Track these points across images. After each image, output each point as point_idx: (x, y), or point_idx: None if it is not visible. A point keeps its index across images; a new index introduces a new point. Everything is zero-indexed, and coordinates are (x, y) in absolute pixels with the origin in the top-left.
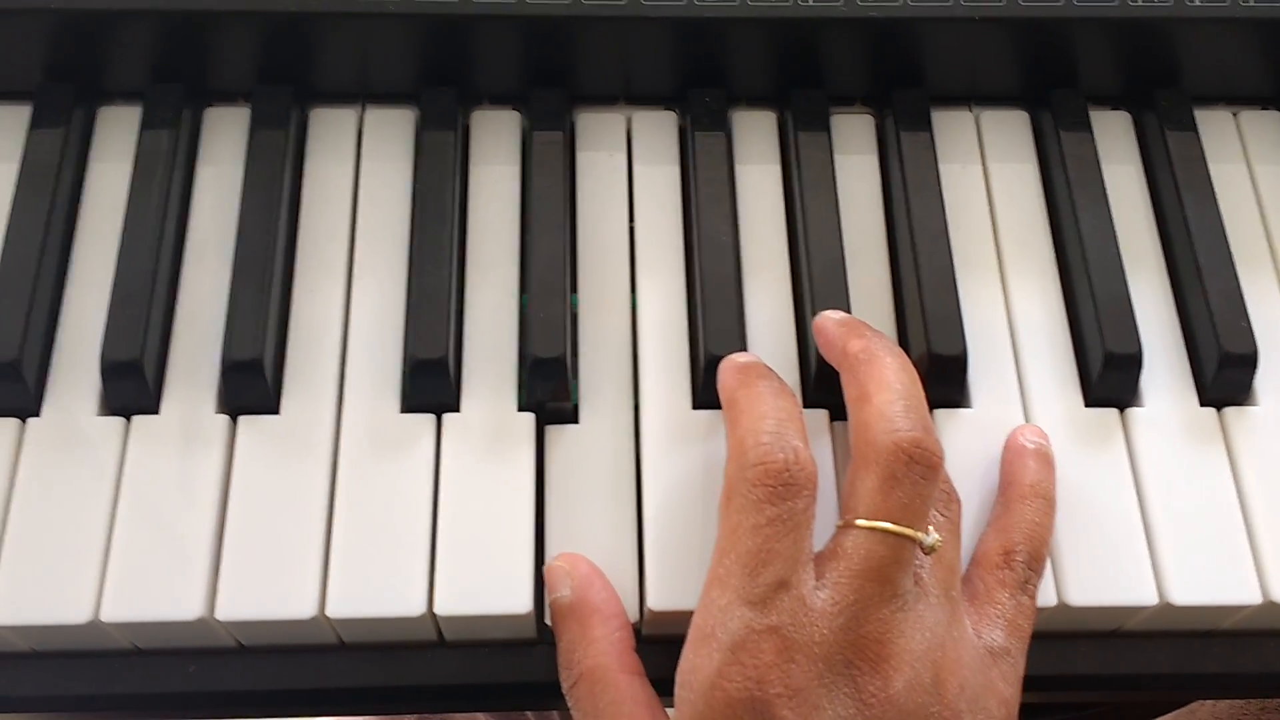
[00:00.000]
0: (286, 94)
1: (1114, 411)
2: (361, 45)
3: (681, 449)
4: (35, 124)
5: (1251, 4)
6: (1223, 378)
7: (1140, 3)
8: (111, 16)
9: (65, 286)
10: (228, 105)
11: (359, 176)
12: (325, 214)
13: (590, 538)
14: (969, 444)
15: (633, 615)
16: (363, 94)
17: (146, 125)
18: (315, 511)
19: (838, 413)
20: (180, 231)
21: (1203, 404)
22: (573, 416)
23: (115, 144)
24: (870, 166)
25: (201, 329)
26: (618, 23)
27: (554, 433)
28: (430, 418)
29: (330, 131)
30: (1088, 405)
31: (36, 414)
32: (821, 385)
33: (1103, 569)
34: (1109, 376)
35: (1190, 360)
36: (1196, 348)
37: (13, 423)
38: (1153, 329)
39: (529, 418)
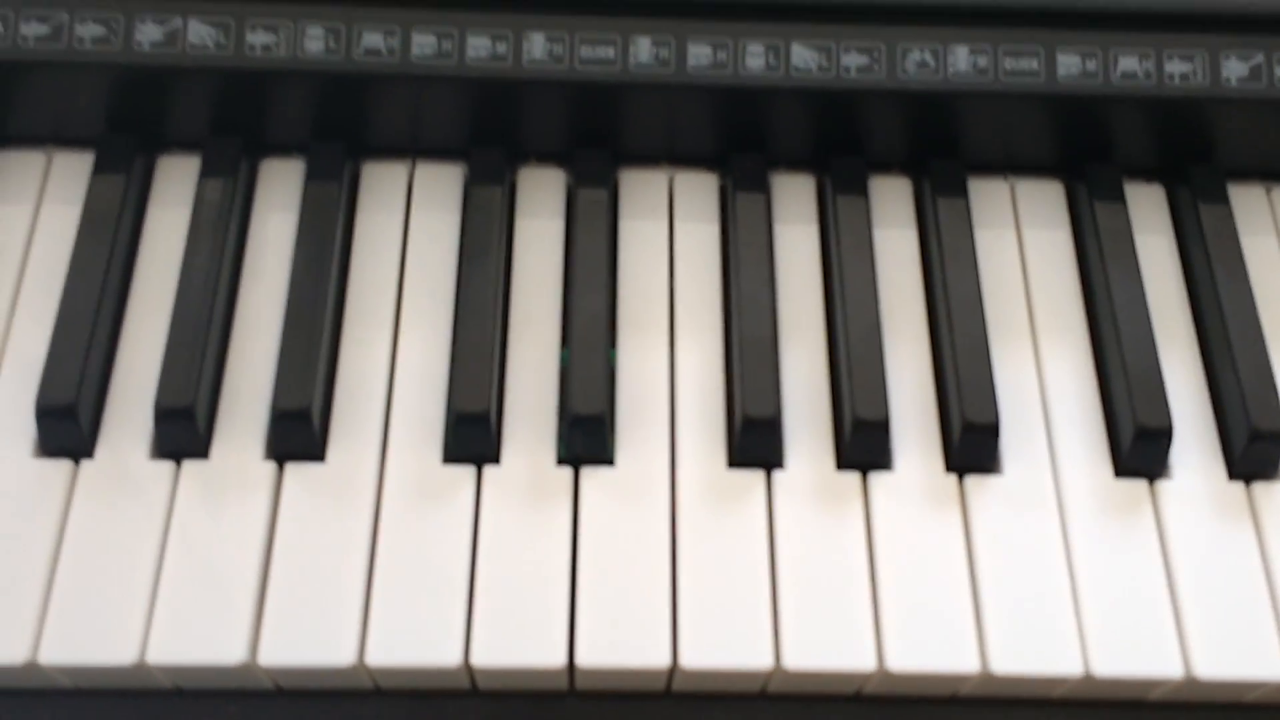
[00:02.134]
0: (340, 149)
1: (1143, 483)
2: (414, 104)
3: (716, 506)
4: (97, 171)
5: None
6: (1252, 452)
7: (1177, 82)
8: (174, 73)
9: (121, 330)
10: (284, 158)
11: (408, 230)
12: (375, 266)
13: (621, 587)
14: (1000, 511)
15: (662, 664)
16: (414, 150)
17: (204, 175)
18: (357, 559)
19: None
20: (234, 279)
21: (1231, 477)
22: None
23: (174, 192)
24: (908, 231)
25: (252, 376)
26: (663, 89)
27: (589, 476)
28: (471, 469)
29: (381, 185)
30: (1117, 475)
31: (90, 456)
32: (856, 446)
33: (1128, 639)
34: (1139, 449)
35: (1220, 434)
36: (1226, 422)
37: (66, 464)
38: (1183, 402)
39: (567, 473)
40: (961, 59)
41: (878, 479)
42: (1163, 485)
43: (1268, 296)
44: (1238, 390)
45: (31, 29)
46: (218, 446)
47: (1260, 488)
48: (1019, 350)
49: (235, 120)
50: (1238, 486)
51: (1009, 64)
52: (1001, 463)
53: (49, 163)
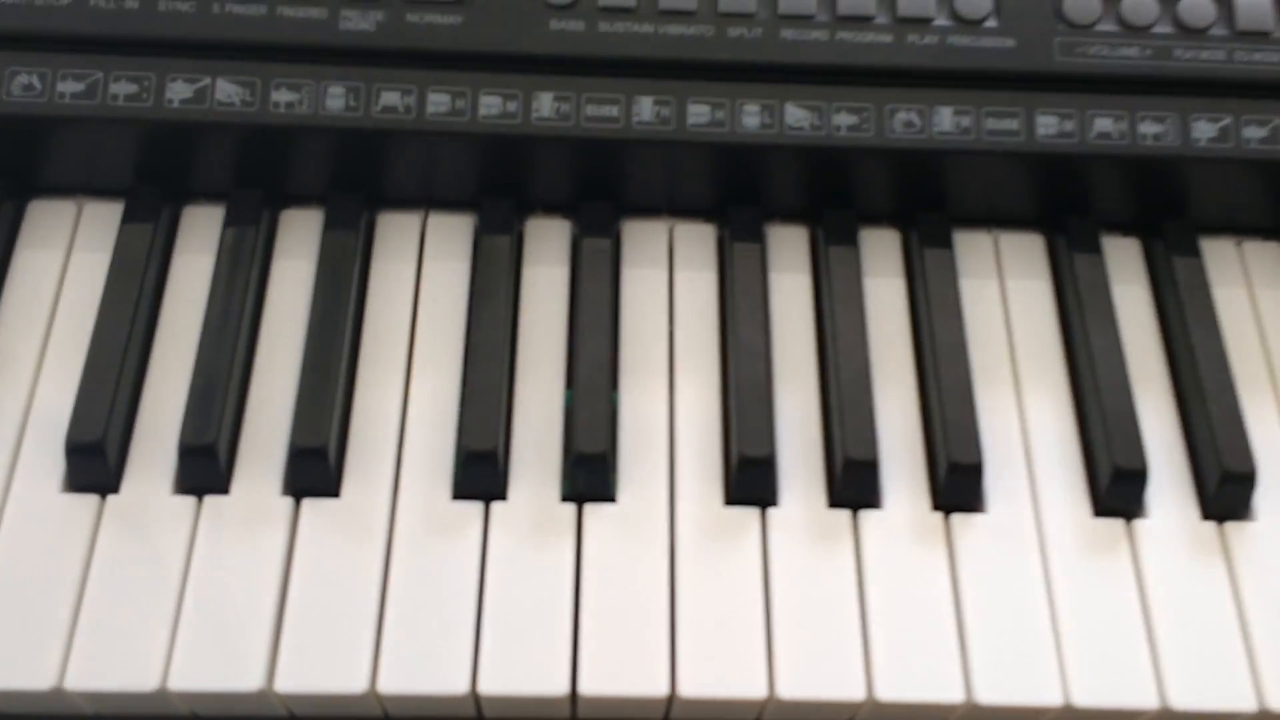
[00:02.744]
0: (357, 200)
1: (1121, 522)
2: (428, 159)
3: (713, 542)
4: (126, 220)
5: (1253, 145)
6: (1224, 494)
7: (1149, 142)
8: (202, 128)
9: (147, 371)
10: (304, 208)
11: (420, 277)
12: (389, 311)
13: (622, 619)
14: (984, 548)
15: (661, 693)
16: (427, 201)
17: (228, 224)
18: (370, 591)
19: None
20: (255, 323)
21: (1205, 518)
22: (611, 497)
23: (199, 241)
24: (896, 280)
25: (272, 415)
26: (664, 146)
27: (592, 513)
28: (479, 505)
29: (396, 234)
30: (1096, 515)
31: (116, 491)
32: (847, 484)
33: (1107, 671)
34: (1116, 489)
35: (1194, 475)
36: (1199, 464)
37: (94, 499)
38: (1158, 444)
39: (571, 509)
40: (945, 119)
41: (868, 517)
42: (1140, 524)
43: (1238, 344)
44: (1210, 433)
45: (68, 86)
46: (238, 483)
47: (1232, 527)
48: (1002, 394)
49: (258, 173)
50: (1211, 526)
51: (990, 124)
52: (986, 502)
53: (80, 212)
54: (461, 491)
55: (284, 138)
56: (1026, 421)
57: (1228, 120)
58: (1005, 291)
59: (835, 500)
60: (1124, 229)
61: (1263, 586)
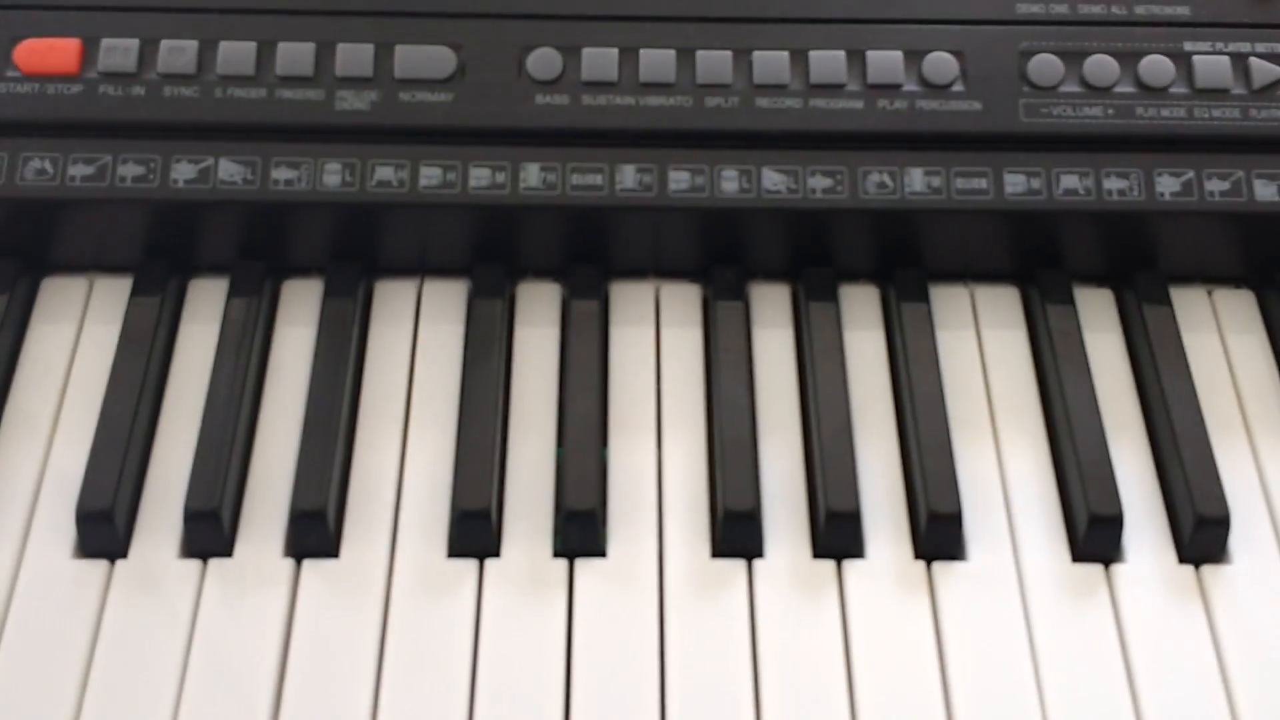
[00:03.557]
0: (355, 269)
1: (1099, 567)
2: (422, 229)
3: (700, 594)
4: (135, 294)
5: (1216, 198)
6: (1199, 538)
7: (1115, 197)
8: (206, 206)
9: (154, 439)
10: (304, 278)
11: (417, 341)
12: (386, 374)
13: (613, 671)
14: (966, 595)
15: None
16: (422, 268)
17: (232, 295)
18: (367, 651)
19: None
20: (258, 390)
21: (1181, 561)
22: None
23: (204, 312)
24: (876, 334)
25: (274, 479)
26: (648, 211)
27: (583, 568)
28: (474, 563)
29: (393, 301)
30: (1075, 560)
31: (124, 555)
32: (830, 535)
33: (1088, 716)
34: (1093, 535)
35: (1169, 520)
36: (1174, 509)
37: (103, 564)
38: (1134, 490)
39: (562, 564)
40: (917, 180)
41: (851, 566)
42: (1117, 569)
43: (1210, 389)
44: (1184, 479)
45: (78, 169)
46: (241, 545)
47: (1209, 570)
48: (980, 443)
49: (260, 246)
50: (1188, 570)
51: (960, 184)
52: (966, 549)
53: (90, 287)
54: (456, 550)
55: (284, 213)
56: (1005, 470)
57: (1190, 174)
58: (982, 343)
59: (819, 550)
60: (1096, 279)
61: (1240, 629)
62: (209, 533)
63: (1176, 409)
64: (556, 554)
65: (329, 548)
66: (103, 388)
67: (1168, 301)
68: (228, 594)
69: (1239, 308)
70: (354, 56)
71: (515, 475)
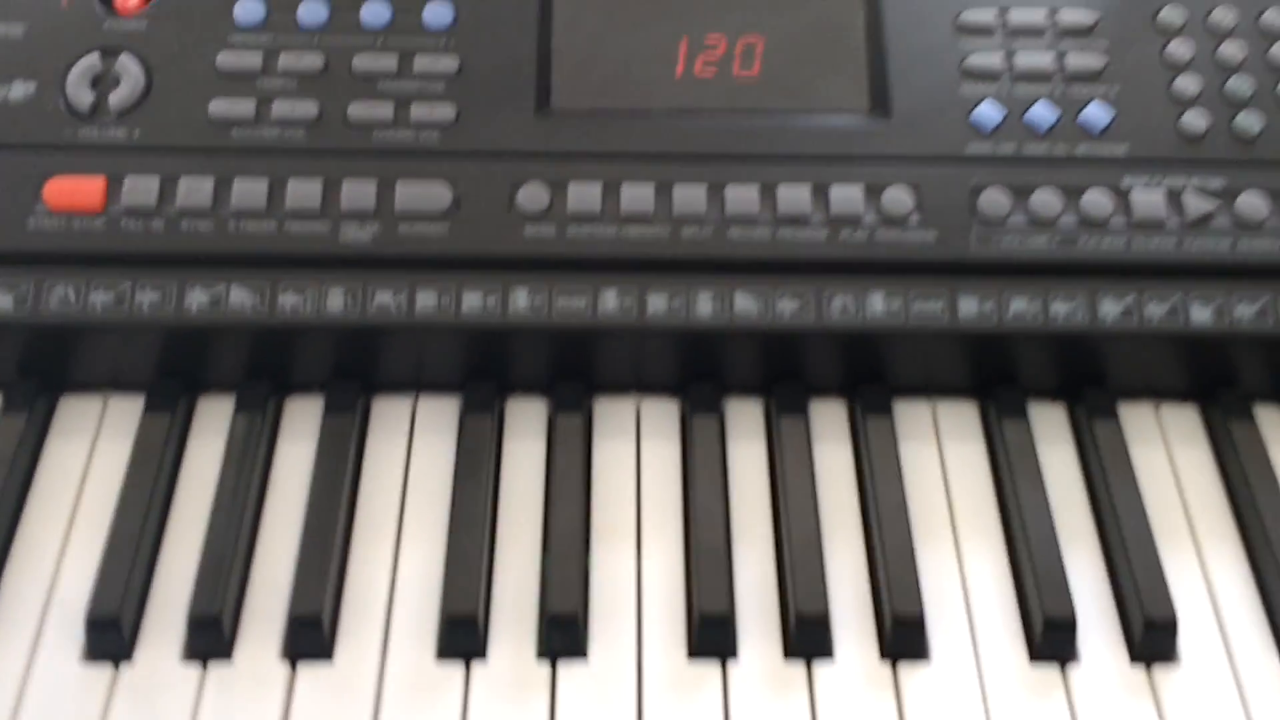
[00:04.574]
0: (354, 387)
1: (1056, 666)
2: (418, 350)
3: (677, 694)
4: (147, 411)
5: (1155, 321)
6: (1149, 639)
7: (1061, 320)
8: (217, 330)
9: (161, 548)
10: (305, 395)
11: (411, 453)
12: (382, 485)
13: None
14: (930, 695)
15: None
16: (417, 385)
17: (238, 411)
18: None
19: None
20: (260, 501)
21: (1133, 661)
22: (584, 654)
23: (211, 427)
24: (843, 446)
25: (273, 585)
26: (628, 332)
27: (565, 669)
28: (461, 665)
29: (389, 416)
30: (1032, 660)
31: (129, 659)
32: (801, 637)
33: None
34: (1049, 637)
35: (1121, 622)
36: (1125, 612)
37: (108, 668)
38: (1086, 594)
39: (545, 667)
40: (877, 303)
41: (821, 667)
42: (1073, 669)
43: (1157, 499)
44: (1133, 583)
45: (99, 297)
46: (240, 649)
47: (1159, 669)
48: (942, 550)
49: (266, 366)
50: (1139, 669)
51: (917, 307)
52: (930, 650)
53: (105, 405)
54: (445, 652)
55: (289, 336)
56: (965, 575)
57: (1131, 299)
58: (943, 455)
59: (791, 652)
60: (1049, 395)
61: None
62: (210, 637)
63: (1126, 518)
64: (540, 656)
65: (324, 651)
66: (114, 499)
67: (1116, 416)
68: (226, 697)
69: (1184, 422)
70: (358, 192)
71: (502, 580)
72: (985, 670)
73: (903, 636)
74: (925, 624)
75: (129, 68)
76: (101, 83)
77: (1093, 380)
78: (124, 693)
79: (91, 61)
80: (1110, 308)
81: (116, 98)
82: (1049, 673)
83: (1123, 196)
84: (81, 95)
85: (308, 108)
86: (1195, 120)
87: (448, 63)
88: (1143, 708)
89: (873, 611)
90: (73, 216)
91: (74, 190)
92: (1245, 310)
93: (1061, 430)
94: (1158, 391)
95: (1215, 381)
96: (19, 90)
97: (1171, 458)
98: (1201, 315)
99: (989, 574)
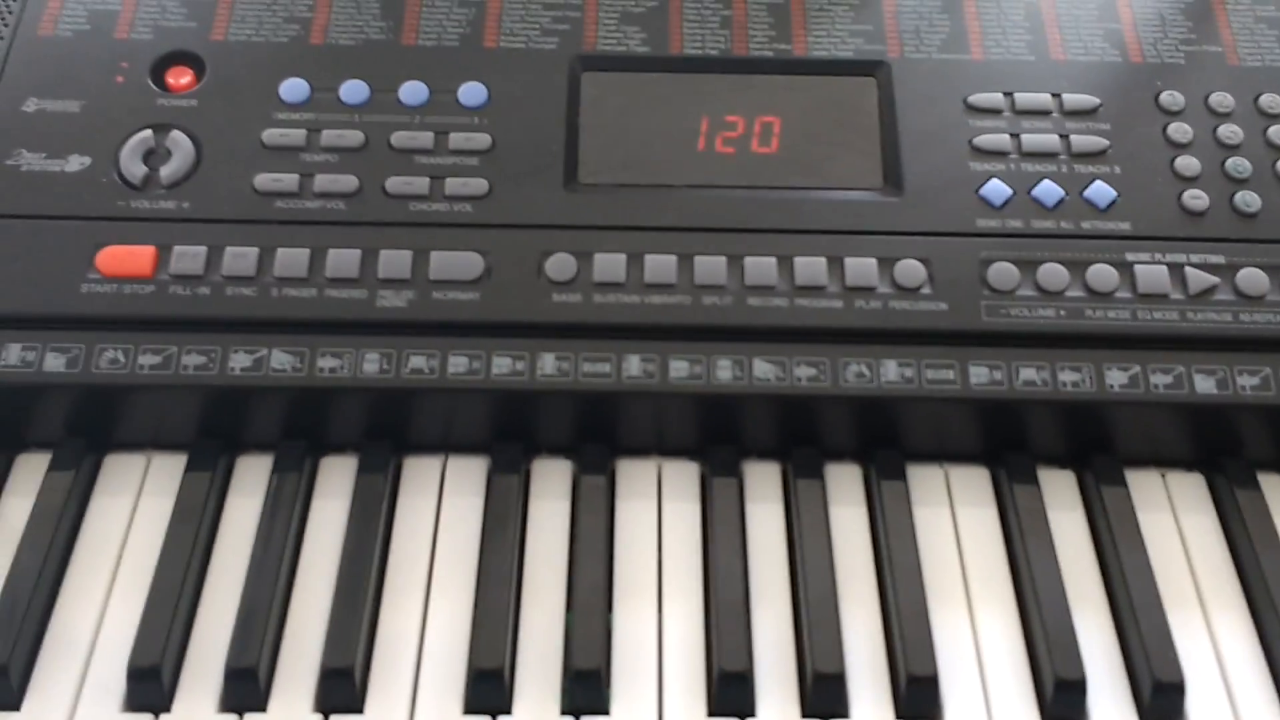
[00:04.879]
0: (386, 447)
1: None
2: (449, 412)
3: None
4: (189, 470)
5: (1160, 390)
6: (1157, 701)
7: (1069, 389)
8: (259, 392)
9: (200, 602)
10: (340, 455)
11: (440, 512)
12: (412, 542)
13: None
14: None
15: None
16: (447, 446)
17: (275, 470)
18: None
19: None
20: (295, 557)
21: None
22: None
23: (250, 486)
24: (859, 509)
25: (307, 638)
26: (651, 396)
27: None
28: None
29: (420, 475)
30: None
31: (168, 710)
32: (818, 696)
33: None
34: (1059, 697)
35: (1130, 684)
36: (1134, 674)
37: (147, 718)
38: (1096, 656)
39: None
40: (891, 370)
41: None
42: None
43: (1165, 564)
44: (1142, 646)
45: (147, 359)
46: (275, 701)
47: None
48: (955, 611)
49: (303, 426)
50: None
51: (930, 374)
52: (943, 710)
53: (148, 464)
54: (471, 707)
55: (327, 398)
56: (978, 636)
57: (1136, 369)
58: (956, 519)
59: (807, 710)
60: (1059, 461)
61: None
62: (246, 689)
63: (1134, 582)
64: (564, 713)
65: (355, 704)
66: (156, 555)
67: (1123, 483)
68: None
69: (1190, 489)
70: (394, 261)
71: (527, 638)
72: None
73: (917, 696)
74: (939, 683)
75: (179, 142)
76: (153, 156)
77: (1101, 447)
78: None
79: (144, 136)
80: (1116, 377)
81: (167, 171)
82: None
83: (1127, 270)
84: (134, 168)
85: (348, 181)
86: (1196, 198)
87: (481, 139)
88: None
89: (888, 671)
90: (123, 282)
91: (125, 258)
92: (1248, 380)
93: (1071, 496)
94: (1164, 459)
95: (1220, 450)
96: (75, 163)
97: (1178, 524)
98: (1205, 385)
99: (1001, 635)
